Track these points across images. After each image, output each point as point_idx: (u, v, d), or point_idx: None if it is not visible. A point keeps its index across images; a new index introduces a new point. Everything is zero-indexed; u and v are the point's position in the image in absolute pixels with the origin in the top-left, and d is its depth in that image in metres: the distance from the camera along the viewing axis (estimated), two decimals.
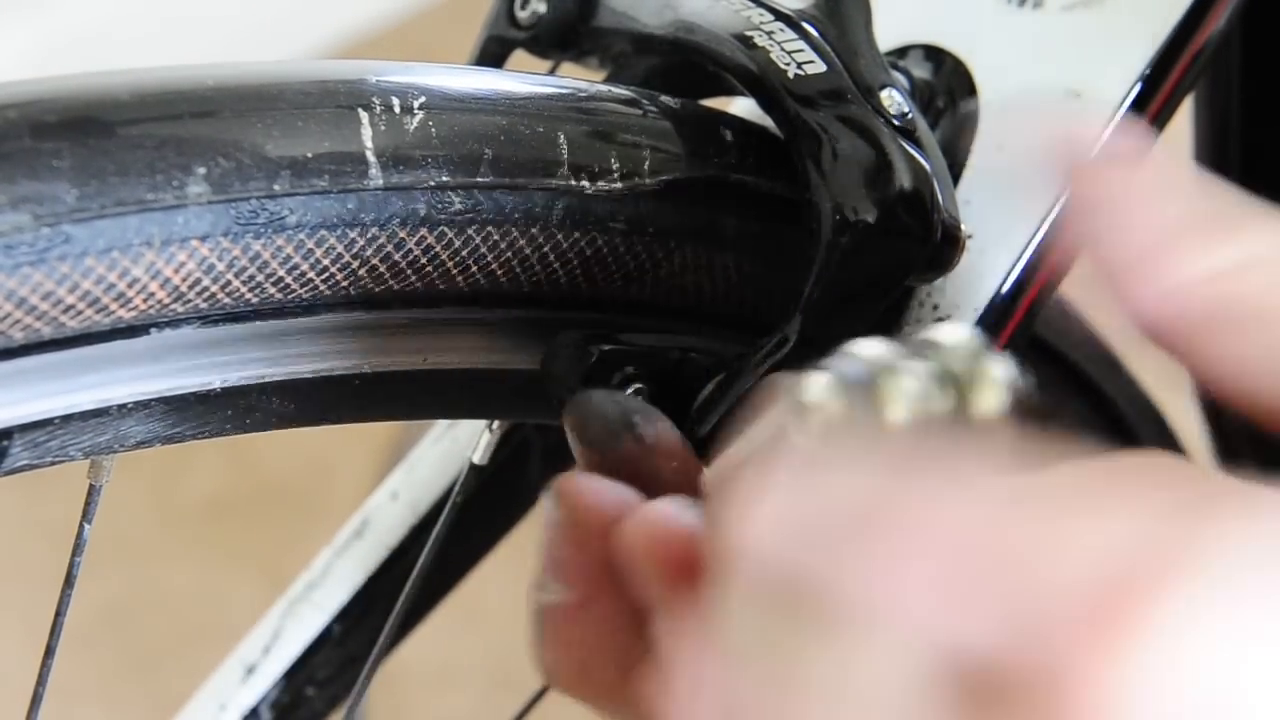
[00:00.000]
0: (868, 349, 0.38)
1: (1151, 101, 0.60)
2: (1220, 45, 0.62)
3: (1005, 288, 0.59)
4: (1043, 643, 0.32)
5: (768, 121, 0.54)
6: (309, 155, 0.44)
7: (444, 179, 0.46)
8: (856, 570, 0.34)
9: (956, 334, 0.39)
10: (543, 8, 0.57)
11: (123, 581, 1.66)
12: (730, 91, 0.57)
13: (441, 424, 0.71)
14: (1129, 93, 0.60)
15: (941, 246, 0.53)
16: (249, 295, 0.45)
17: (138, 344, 0.45)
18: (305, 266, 0.45)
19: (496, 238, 0.48)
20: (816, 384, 0.38)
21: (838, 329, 0.52)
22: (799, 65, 0.54)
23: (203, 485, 1.76)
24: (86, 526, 0.50)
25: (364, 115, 0.45)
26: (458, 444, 0.71)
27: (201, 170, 0.43)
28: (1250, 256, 0.38)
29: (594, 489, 0.42)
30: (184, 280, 0.44)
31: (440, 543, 0.63)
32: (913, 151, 0.53)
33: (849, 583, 0.34)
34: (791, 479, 0.35)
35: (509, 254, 0.49)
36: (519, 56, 0.59)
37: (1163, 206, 0.38)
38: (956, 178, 0.59)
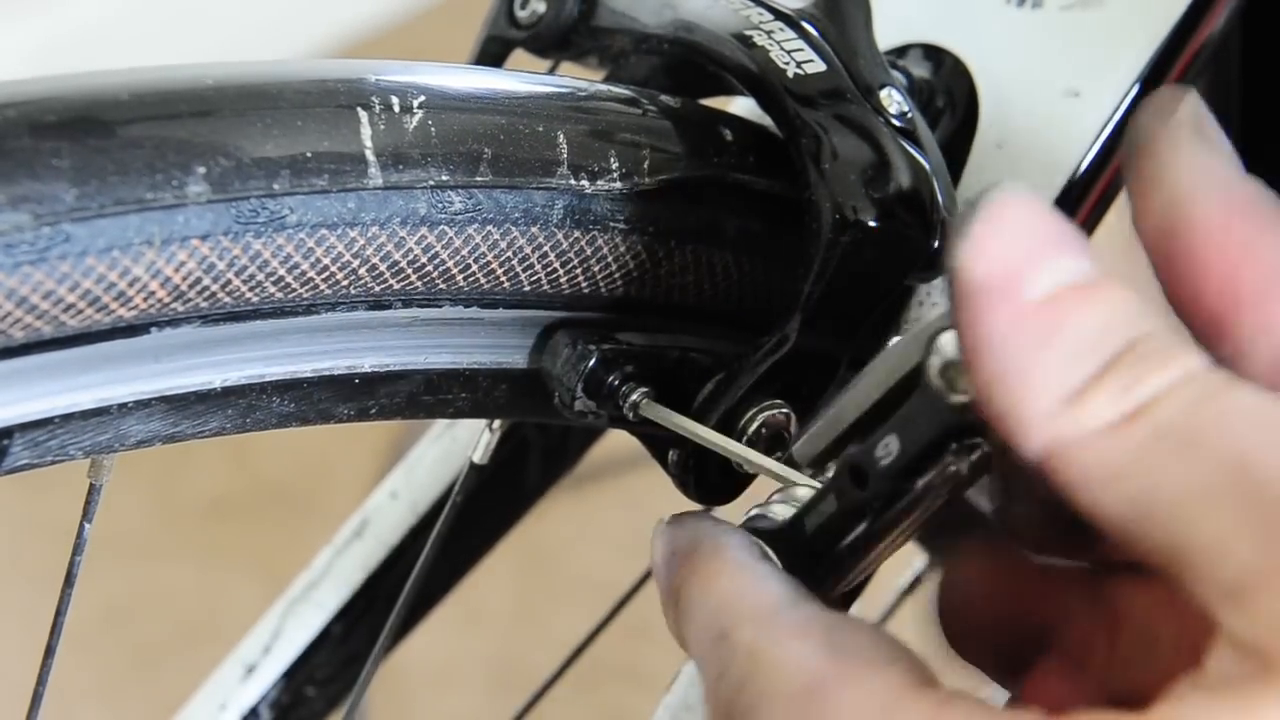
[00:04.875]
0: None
1: None
2: (1220, 45, 0.62)
3: None
4: None
5: (767, 121, 0.54)
6: (309, 154, 0.44)
7: (444, 178, 0.46)
8: None
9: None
10: (542, 7, 0.57)
11: (123, 581, 1.66)
12: (730, 91, 0.57)
13: (441, 424, 0.71)
14: (1128, 93, 0.60)
15: (941, 245, 0.53)
16: (249, 294, 0.45)
17: (138, 343, 0.45)
18: (306, 265, 0.45)
19: (496, 237, 0.48)
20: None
21: (837, 328, 0.52)
22: (798, 65, 0.54)
23: (203, 485, 1.76)
24: (87, 526, 0.50)
25: (364, 115, 0.45)
26: (458, 444, 0.71)
27: (201, 169, 0.43)
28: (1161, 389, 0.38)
29: None
30: (184, 279, 0.44)
31: (440, 543, 0.63)
32: (912, 151, 0.53)
33: None
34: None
35: (509, 253, 0.49)
36: (519, 56, 0.59)
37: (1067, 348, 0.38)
38: (956, 177, 0.60)
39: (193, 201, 0.43)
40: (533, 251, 0.49)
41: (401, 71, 0.47)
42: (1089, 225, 0.60)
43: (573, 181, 0.49)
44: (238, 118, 0.44)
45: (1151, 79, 0.60)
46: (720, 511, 0.49)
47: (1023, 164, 0.59)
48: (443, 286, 0.48)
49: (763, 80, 0.54)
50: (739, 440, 0.51)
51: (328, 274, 0.46)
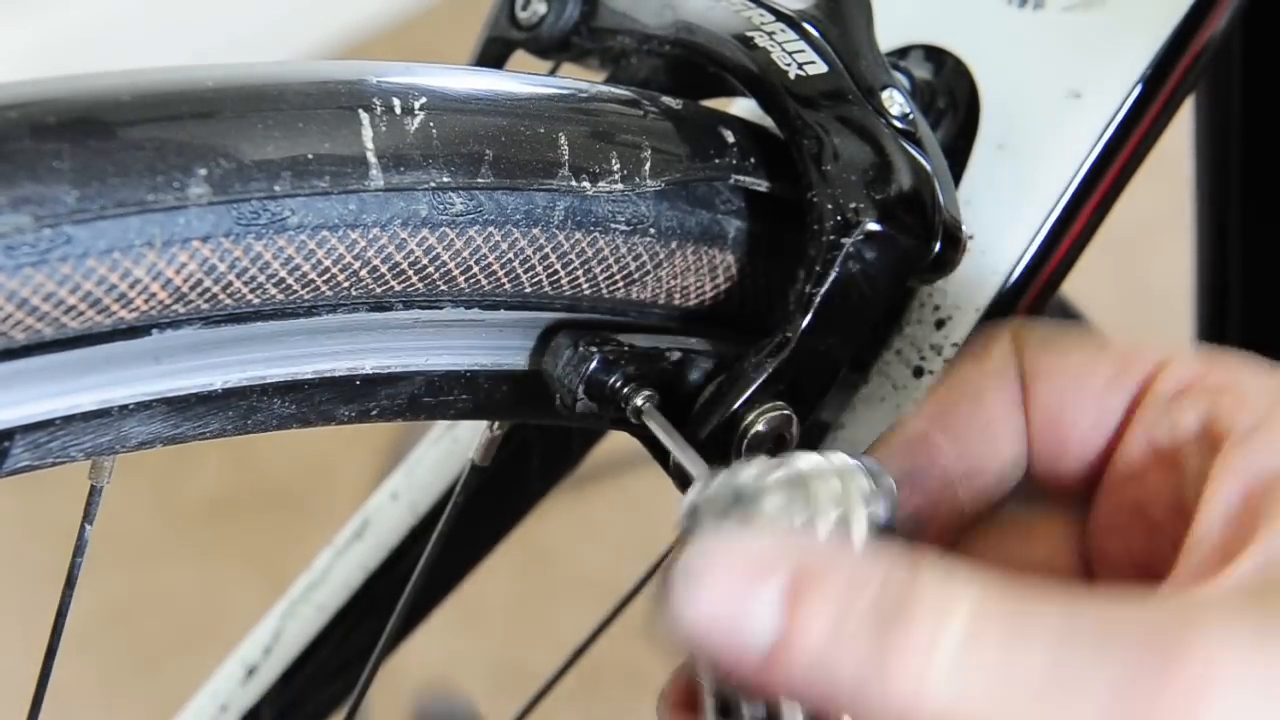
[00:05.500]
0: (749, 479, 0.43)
1: (1152, 102, 0.60)
2: (1220, 46, 0.62)
3: (1006, 288, 0.59)
4: None
5: (768, 122, 0.54)
6: (310, 156, 0.44)
7: (445, 180, 0.46)
8: None
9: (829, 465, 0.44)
10: (544, 8, 0.57)
11: (123, 581, 1.66)
12: (731, 92, 0.57)
13: (441, 424, 0.71)
14: (1129, 93, 0.60)
15: (943, 247, 0.53)
16: (250, 296, 0.45)
17: (139, 345, 0.45)
18: (307, 267, 0.45)
19: (498, 238, 0.48)
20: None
21: (839, 330, 0.52)
22: (800, 66, 0.54)
23: (203, 486, 1.76)
24: (87, 527, 0.50)
25: (365, 116, 0.45)
26: (458, 444, 0.71)
27: (202, 171, 0.42)
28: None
29: None
30: (185, 281, 0.43)
31: (441, 544, 0.63)
32: (913, 152, 0.53)
33: None
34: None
35: (510, 255, 0.49)
36: (519, 57, 0.59)
37: None
38: (958, 178, 0.59)
39: (194, 203, 0.43)
40: (534, 253, 0.49)
41: (403, 73, 0.47)
42: (1091, 226, 0.60)
43: (574, 183, 0.49)
44: (239, 119, 0.44)
45: (1153, 79, 0.60)
46: None
47: (1024, 165, 0.59)
48: (444, 288, 0.48)
49: (764, 81, 0.54)
50: (740, 441, 0.51)
51: (329, 275, 0.46)
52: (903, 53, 0.62)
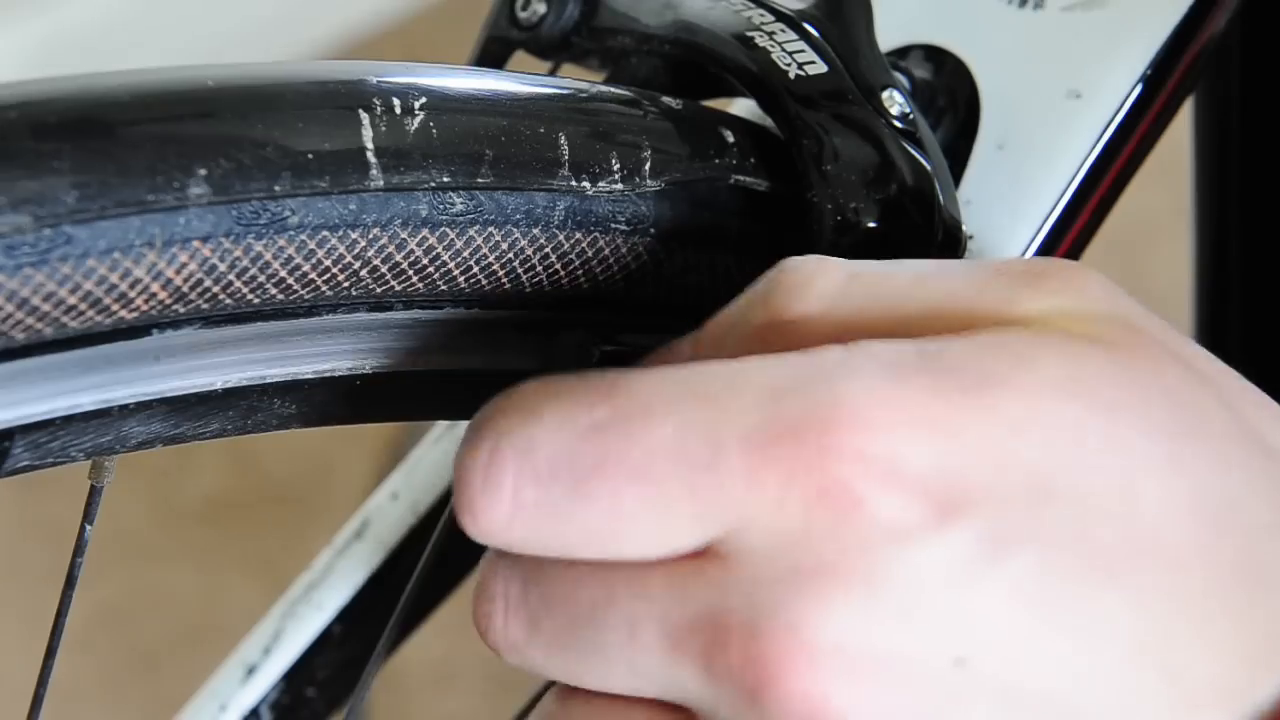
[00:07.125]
0: None
1: (1152, 102, 0.60)
2: (1220, 46, 0.62)
3: None
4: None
5: (768, 122, 0.54)
6: (310, 156, 0.44)
7: (445, 180, 0.46)
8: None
9: None
10: (543, 8, 0.57)
11: (123, 581, 1.66)
12: (731, 92, 0.57)
13: (441, 424, 0.71)
14: (1129, 93, 0.60)
15: (943, 247, 0.53)
16: (251, 296, 0.45)
17: (139, 345, 0.45)
18: (307, 267, 0.45)
19: (498, 238, 0.48)
20: None
21: None
22: (800, 66, 0.54)
23: (203, 486, 1.76)
24: (87, 527, 0.50)
25: (364, 116, 0.45)
26: (458, 444, 0.70)
27: (202, 171, 0.42)
28: None
29: None
30: (185, 281, 0.43)
31: (440, 543, 0.63)
32: (914, 152, 0.53)
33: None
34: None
35: (510, 255, 0.49)
36: (519, 56, 0.59)
37: None
38: (958, 178, 0.60)
39: (194, 203, 0.43)
40: (534, 253, 0.49)
41: (402, 73, 0.47)
42: (1091, 227, 0.60)
43: (574, 183, 0.49)
44: (238, 119, 0.44)
45: (1153, 79, 0.60)
46: None
47: (1023, 165, 0.59)
48: (444, 288, 0.48)
49: (764, 81, 0.54)
50: None
51: (329, 275, 0.46)
52: (903, 53, 0.62)
